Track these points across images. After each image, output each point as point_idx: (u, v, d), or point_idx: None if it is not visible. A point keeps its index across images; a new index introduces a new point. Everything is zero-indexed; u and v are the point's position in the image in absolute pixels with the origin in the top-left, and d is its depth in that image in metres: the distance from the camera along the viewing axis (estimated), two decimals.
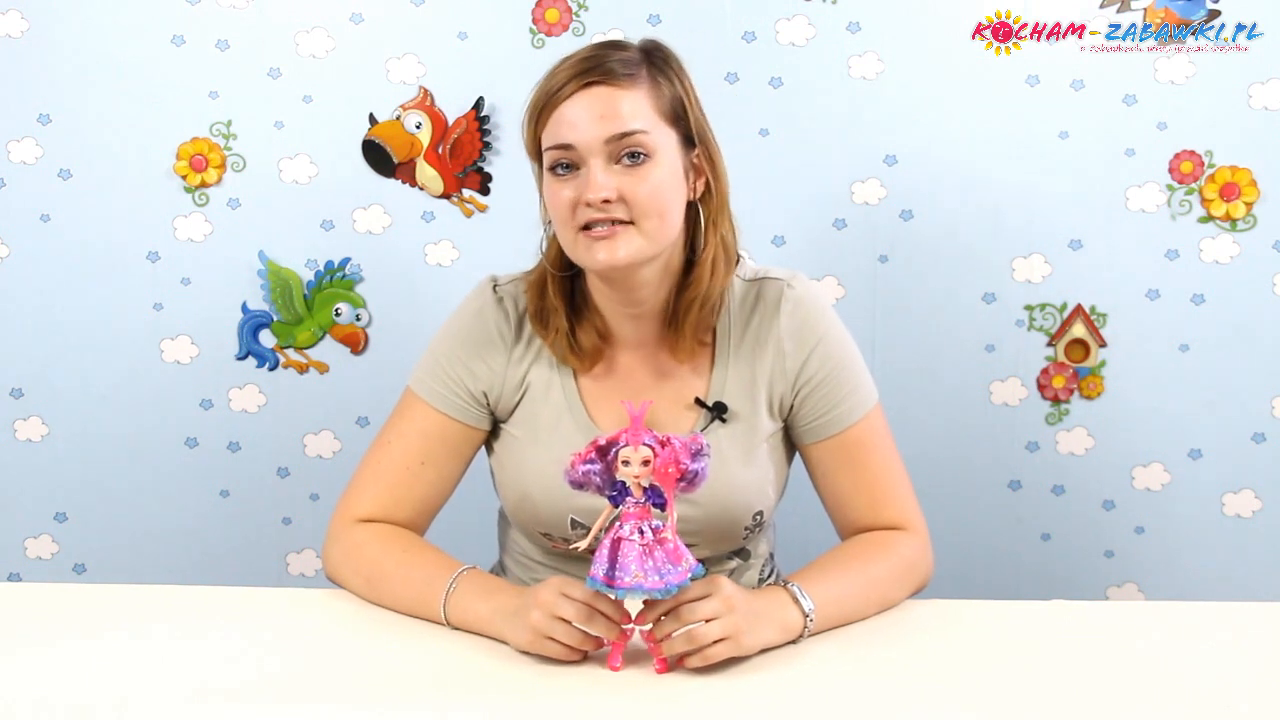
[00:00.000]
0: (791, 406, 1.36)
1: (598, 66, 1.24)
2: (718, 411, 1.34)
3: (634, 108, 1.24)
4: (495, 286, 1.38)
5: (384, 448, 1.38)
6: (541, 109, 1.26)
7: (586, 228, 1.24)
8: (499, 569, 1.52)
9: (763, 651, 1.18)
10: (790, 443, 1.40)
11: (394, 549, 1.32)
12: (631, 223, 1.24)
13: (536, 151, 1.29)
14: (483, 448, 1.42)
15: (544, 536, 1.37)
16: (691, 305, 1.31)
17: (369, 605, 1.31)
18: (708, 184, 1.31)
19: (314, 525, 2.06)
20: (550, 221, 1.32)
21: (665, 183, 1.26)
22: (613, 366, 1.37)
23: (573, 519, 1.33)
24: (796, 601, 1.21)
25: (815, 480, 1.40)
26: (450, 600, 1.24)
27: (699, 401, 1.35)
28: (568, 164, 1.25)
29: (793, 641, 1.21)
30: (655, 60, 1.29)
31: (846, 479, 1.36)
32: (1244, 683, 1.15)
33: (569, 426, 1.34)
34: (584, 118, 1.23)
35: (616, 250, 1.24)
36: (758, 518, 1.36)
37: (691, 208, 1.31)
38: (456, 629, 1.24)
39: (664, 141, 1.26)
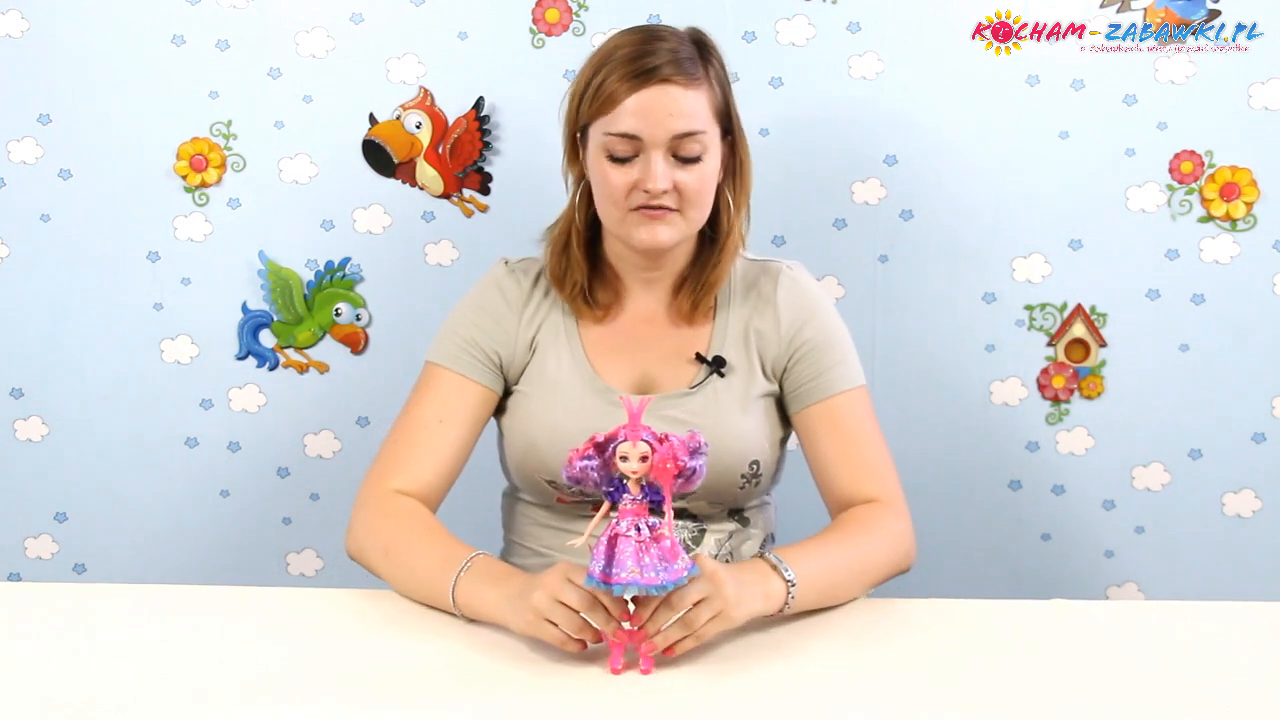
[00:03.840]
0: (785, 369, 1.44)
1: (662, 66, 1.33)
2: (717, 365, 1.42)
3: (696, 107, 1.35)
4: (506, 262, 1.50)
5: (403, 416, 1.45)
6: (605, 97, 1.34)
7: (639, 207, 1.35)
8: (505, 550, 1.55)
9: (754, 642, 1.19)
10: (785, 417, 1.47)
11: (415, 526, 1.36)
12: (678, 210, 1.36)
13: (582, 122, 1.39)
14: (492, 422, 1.48)
15: (549, 485, 1.41)
16: (715, 282, 1.44)
17: (369, 605, 1.32)
18: (736, 167, 1.43)
19: (314, 525, 2.06)
20: (577, 182, 1.44)
21: (711, 176, 1.38)
22: (618, 320, 1.46)
23: None
24: (776, 569, 1.23)
25: (805, 451, 1.46)
26: (460, 583, 1.25)
27: (699, 357, 1.42)
28: (631, 150, 1.35)
29: (777, 613, 1.23)
30: (705, 54, 1.39)
31: (831, 446, 1.42)
32: (1244, 683, 1.15)
33: (573, 377, 1.42)
34: (653, 113, 1.33)
35: (660, 233, 1.37)
36: (754, 467, 1.41)
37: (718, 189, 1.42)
38: (464, 614, 1.25)
39: (713, 139, 1.38)
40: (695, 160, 1.35)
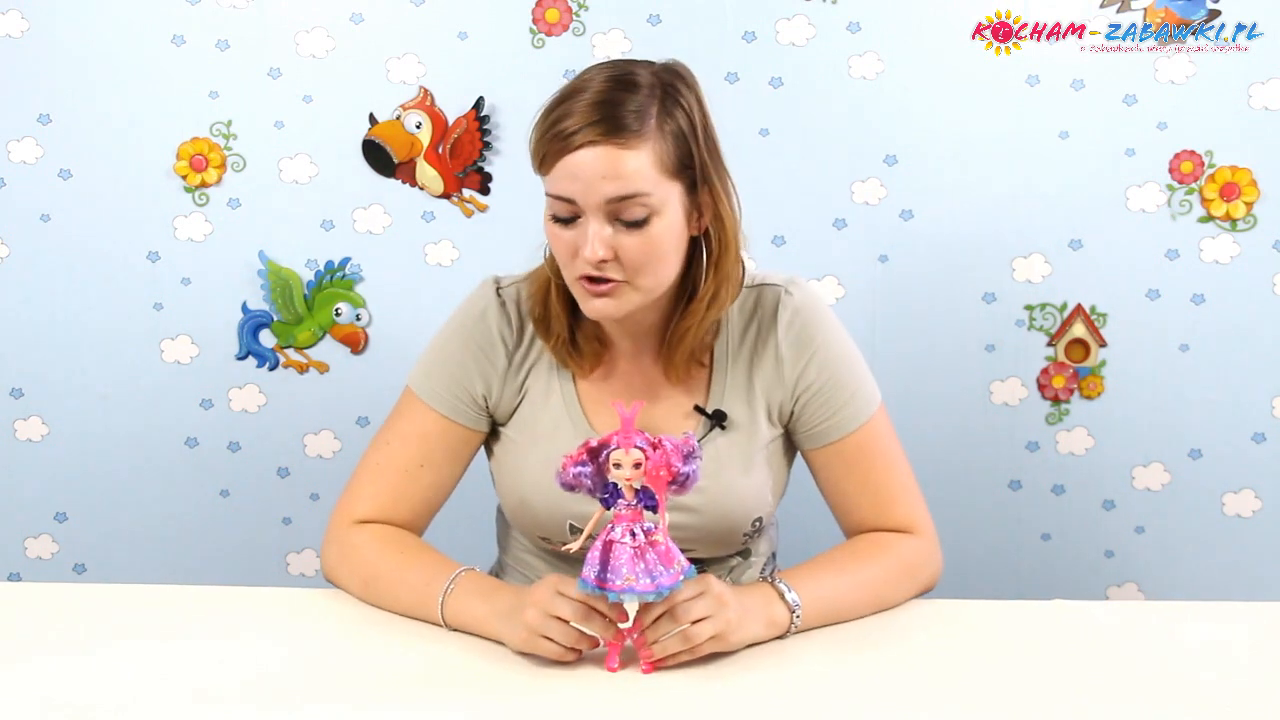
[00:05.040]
0: (792, 413, 1.36)
1: (608, 118, 1.20)
2: (717, 419, 1.34)
3: (637, 166, 1.20)
4: (498, 289, 1.38)
5: (383, 448, 1.37)
6: (545, 151, 1.23)
7: (583, 277, 1.24)
8: (498, 569, 1.52)
9: (753, 646, 1.19)
10: (791, 446, 1.40)
11: (391, 550, 1.32)
12: (625, 280, 1.23)
13: (535, 170, 1.27)
14: (483, 448, 1.42)
15: (542, 540, 1.38)
16: (685, 335, 1.31)
17: (368, 606, 1.31)
18: (711, 220, 1.29)
19: (314, 525, 2.05)
20: None
21: (663, 240, 1.24)
22: (612, 372, 1.37)
23: (570, 524, 1.33)
24: (782, 597, 1.21)
25: (819, 484, 1.40)
26: (448, 601, 1.24)
27: (699, 409, 1.35)
28: (569, 213, 1.23)
29: (780, 637, 1.21)
30: (668, 99, 1.24)
31: (850, 484, 1.36)
32: (1244, 683, 1.15)
33: (567, 431, 1.34)
34: (585, 175, 1.20)
35: (609, 306, 1.25)
36: (756, 524, 1.36)
37: (694, 240, 1.29)
38: (455, 630, 1.24)
39: (666, 197, 1.23)
40: (640, 225, 1.21)
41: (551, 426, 1.35)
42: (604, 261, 1.22)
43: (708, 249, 1.29)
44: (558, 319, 1.33)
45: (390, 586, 1.30)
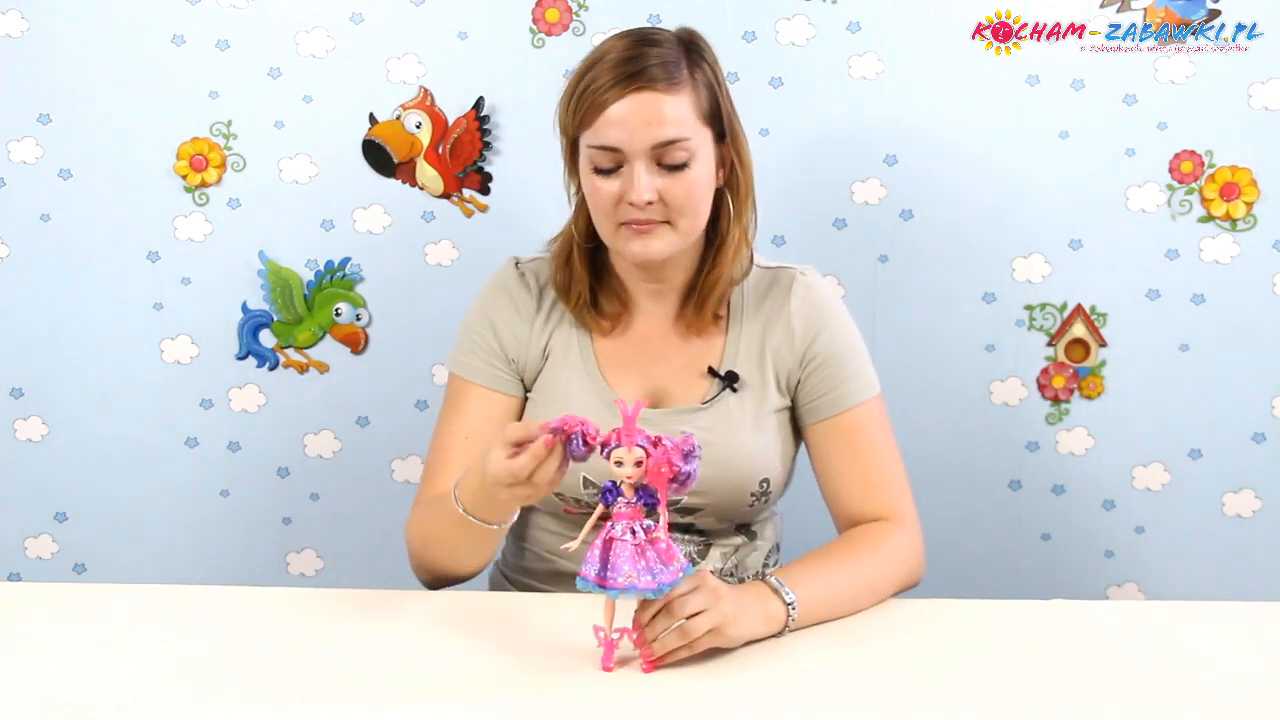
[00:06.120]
0: (798, 382, 1.42)
1: (643, 71, 1.30)
2: (729, 380, 1.40)
3: (678, 112, 1.31)
4: (517, 264, 1.47)
5: (436, 434, 1.45)
6: (586, 107, 1.31)
7: (626, 221, 1.32)
8: (499, 571, 1.55)
9: (751, 645, 1.19)
10: (799, 428, 1.44)
11: (428, 506, 1.38)
12: (668, 222, 1.32)
13: (571, 133, 1.36)
14: None
15: (557, 498, 1.41)
16: (715, 286, 1.40)
17: (369, 605, 1.32)
18: (733, 171, 1.39)
19: (314, 525, 2.06)
20: (578, 192, 1.40)
21: (701, 183, 1.34)
22: (629, 332, 1.44)
23: (584, 477, 1.37)
24: (777, 592, 1.23)
25: (814, 466, 1.44)
26: (461, 498, 1.26)
27: (712, 371, 1.40)
28: (613, 162, 1.32)
29: (778, 634, 1.22)
30: (693, 56, 1.35)
31: (841, 462, 1.40)
32: (1244, 683, 1.15)
33: (582, 384, 1.41)
34: (631, 122, 1.29)
35: (651, 245, 1.34)
36: (764, 485, 1.40)
37: (717, 192, 1.39)
38: (486, 516, 1.25)
39: (702, 143, 1.34)
40: (681, 168, 1.31)
41: (568, 383, 1.42)
42: (650, 204, 1.30)
43: (733, 201, 1.40)
44: (579, 279, 1.42)
45: (436, 528, 1.34)
